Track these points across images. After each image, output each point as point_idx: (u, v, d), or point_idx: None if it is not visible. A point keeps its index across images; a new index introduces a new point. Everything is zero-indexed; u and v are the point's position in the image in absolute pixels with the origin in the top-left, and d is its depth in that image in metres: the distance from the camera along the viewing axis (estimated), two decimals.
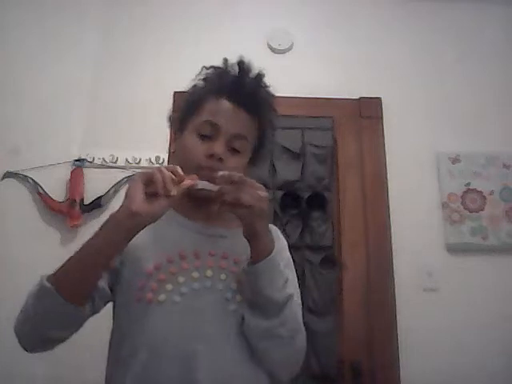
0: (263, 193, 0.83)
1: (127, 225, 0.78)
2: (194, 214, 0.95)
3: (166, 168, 0.80)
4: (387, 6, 2.28)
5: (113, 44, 2.16)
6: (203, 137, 0.93)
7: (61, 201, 1.87)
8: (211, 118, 0.94)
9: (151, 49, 2.15)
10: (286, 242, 1.03)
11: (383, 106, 2.10)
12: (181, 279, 0.89)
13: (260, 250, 0.84)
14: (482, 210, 1.96)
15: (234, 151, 0.94)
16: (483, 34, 2.26)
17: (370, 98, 2.11)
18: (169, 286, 0.89)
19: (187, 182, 0.82)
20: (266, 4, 2.27)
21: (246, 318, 0.87)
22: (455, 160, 2.03)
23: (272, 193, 1.93)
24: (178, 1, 2.24)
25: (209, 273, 0.91)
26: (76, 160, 1.93)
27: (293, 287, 0.92)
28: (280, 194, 1.92)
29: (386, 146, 2.05)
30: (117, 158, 1.97)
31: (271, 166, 1.96)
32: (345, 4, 2.28)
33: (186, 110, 1.00)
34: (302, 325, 0.89)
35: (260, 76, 0.98)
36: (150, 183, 0.78)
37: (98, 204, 1.88)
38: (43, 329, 0.83)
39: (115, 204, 1.90)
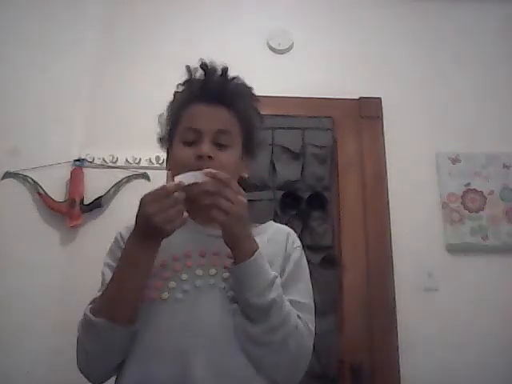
0: (242, 198, 0.85)
1: (153, 244, 0.86)
2: (198, 216, 0.96)
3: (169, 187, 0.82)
4: (387, 6, 2.27)
5: (113, 44, 2.16)
6: (189, 143, 0.97)
7: (61, 201, 1.87)
8: (190, 124, 0.98)
9: (151, 49, 2.15)
10: (299, 244, 1.03)
11: (383, 106, 2.10)
12: (184, 276, 0.91)
13: (238, 254, 0.86)
14: (481, 210, 1.96)
15: (222, 146, 0.96)
16: (483, 34, 2.26)
17: (370, 97, 2.11)
18: (172, 284, 0.90)
19: (173, 183, 0.84)
20: (266, 4, 2.27)
21: (236, 322, 0.87)
22: (455, 160, 2.03)
23: (272, 193, 1.93)
24: (179, 1, 2.24)
25: (212, 271, 0.91)
26: (76, 160, 1.93)
27: (302, 292, 0.96)
28: (280, 194, 1.92)
29: (385, 145, 2.05)
30: (117, 158, 1.96)
31: (271, 166, 1.96)
32: (345, 4, 2.28)
33: (169, 126, 1.05)
34: (298, 327, 0.88)
35: (225, 70, 1.02)
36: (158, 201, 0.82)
37: (98, 204, 1.88)
38: (110, 359, 0.88)
39: (115, 204, 1.90)
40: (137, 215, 0.84)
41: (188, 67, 1.04)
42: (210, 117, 0.97)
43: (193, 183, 0.84)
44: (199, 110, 0.99)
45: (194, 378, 0.82)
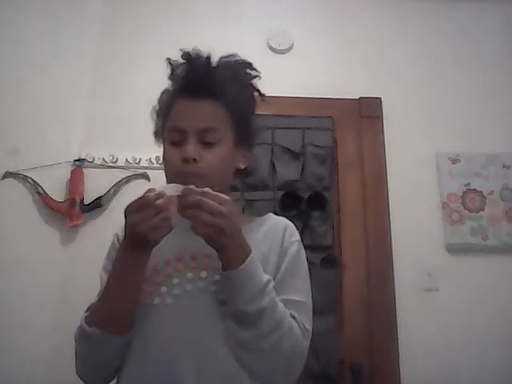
0: (224, 207, 0.79)
1: (144, 256, 0.85)
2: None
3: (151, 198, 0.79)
4: (387, 6, 2.27)
5: (113, 44, 2.16)
6: (175, 143, 0.93)
7: (61, 201, 1.87)
8: (175, 124, 0.94)
9: (151, 48, 2.14)
10: (297, 238, 0.98)
11: (383, 106, 2.10)
12: (175, 281, 0.89)
13: (226, 262, 0.82)
14: (482, 209, 1.96)
15: (209, 144, 0.92)
16: (483, 34, 2.26)
17: (370, 97, 2.11)
18: (163, 289, 0.89)
19: (153, 193, 0.80)
20: (266, 4, 2.27)
21: (227, 326, 0.84)
22: (455, 160, 2.03)
23: (272, 193, 1.93)
24: (179, 1, 2.24)
25: (203, 274, 0.89)
26: (76, 160, 1.93)
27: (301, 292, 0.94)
28: (280, 194, 1.92)
29: (386, 145, 2.05)
30: (117, 158, 1.97)
31: (271, 166, 1.96)
32: (345, 4, 2.28)
33: (159, 122, 1.01)
34: (292, 329, 0.85)
35: (209, 58, 0.96)
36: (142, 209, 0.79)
37: (97, 204, 1.88)
38: (107, 366, 0.88)
39: (115, 204, 1.90)
40: (125, 225, 0.81)
41: (169, 60, 0.99)
42: (193, 113, 0.92)
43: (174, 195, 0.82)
44: (183, 107, 0.94)
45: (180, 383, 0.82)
